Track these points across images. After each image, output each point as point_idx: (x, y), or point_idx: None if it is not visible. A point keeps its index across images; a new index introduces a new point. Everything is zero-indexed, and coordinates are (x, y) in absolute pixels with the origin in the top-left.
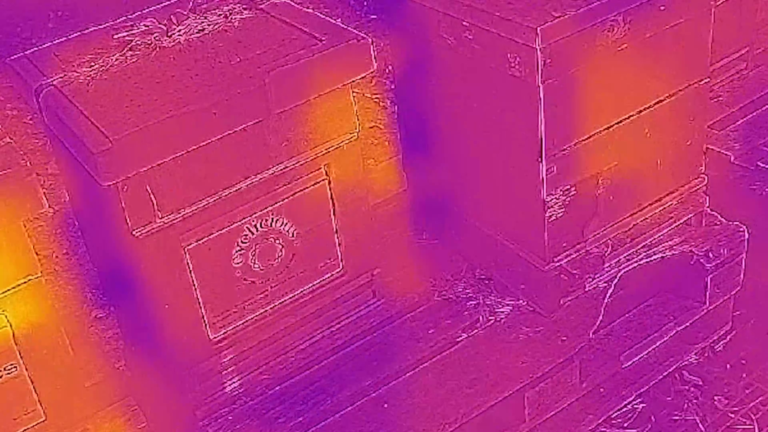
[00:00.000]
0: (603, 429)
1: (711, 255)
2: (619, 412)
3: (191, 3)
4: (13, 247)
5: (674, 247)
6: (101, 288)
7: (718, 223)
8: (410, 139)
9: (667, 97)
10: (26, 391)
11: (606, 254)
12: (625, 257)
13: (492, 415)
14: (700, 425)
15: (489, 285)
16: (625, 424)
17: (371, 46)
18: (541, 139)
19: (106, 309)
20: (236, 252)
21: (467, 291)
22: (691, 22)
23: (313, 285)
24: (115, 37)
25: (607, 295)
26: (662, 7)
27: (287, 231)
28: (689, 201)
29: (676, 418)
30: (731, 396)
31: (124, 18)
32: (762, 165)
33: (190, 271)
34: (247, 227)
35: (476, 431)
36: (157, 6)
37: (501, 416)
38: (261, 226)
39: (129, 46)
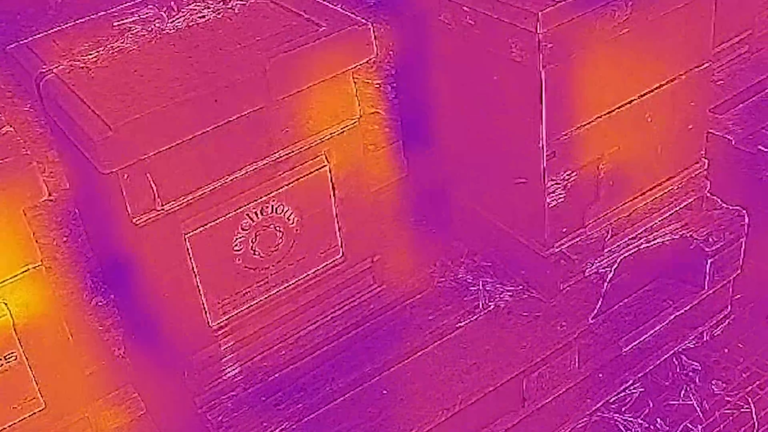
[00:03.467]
0: (601, 413)
1: (711, 239)
2: (617, 397)
3: None
4: (13, 236)
5: (674, 232)
6: (101, 276)
7: (719, 207)
8: (411, 124)
9: (668, 81)
10: (26, 380)
11: (606, 239)
12: (625, 242)
13: (491, 400)
14: (698, 409)
15: (489, 271)
16: (623, 409)
17: (372, 32)
18: (542, 124)
19: (106, 297)
20: (237, 239)
21: (467, 277)
22: (692, 6)
23: (314, 271)
24: (115, 24)
25: (607, 280)
26: None
27: (288, 218)
28: (690, 185)
29: (674, 402)
30: (729, 380)
31: (125, 5)
32: (763, 149)
33: (191, 259)
34: (247, 214)
35: (475, 416)
36: None
37: (500, 401)
38: (261, 213)
39: (129, 33)
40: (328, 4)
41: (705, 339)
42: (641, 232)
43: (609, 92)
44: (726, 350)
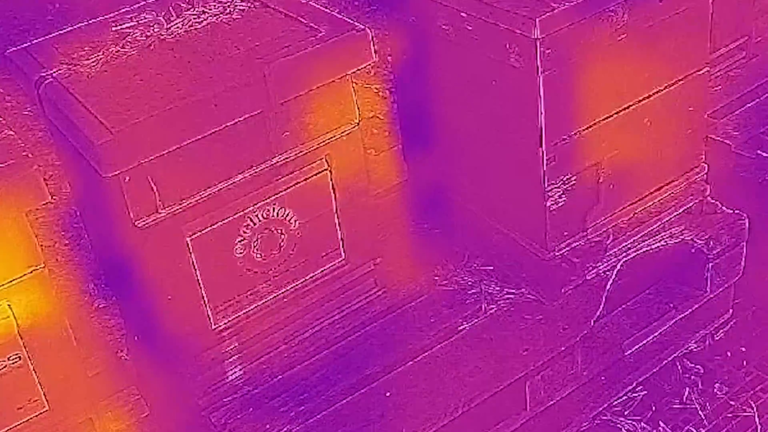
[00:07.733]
0: (604, 417)
1: (712, 243)
2: (619, 400)
3: None
4: (16, 239)
5: (675, 236)
6: (104, 278)
7: (719, 211)
8: (411, 128)
9: (666, 86)
10: (30, 381)
11: (607, 243)
12: (626, 246)
13: (493, 404)
14: (701, 413)
15: (490, 274)
16: (626, 412)
17: (371, 37)
18: (541, 128)
19: (109, 299)
20: (238, 242)
21: (468, 280)
22: (690, 12)
23: (315, 275)
24: (115, 29)
25: (609, 283)
26: None
27: (289, 221)
28: (690, 190)
29: (677, 405)
30: (731, 384)
31: (124, 10)
32: (762, 153)
33: (193, 262)
34: (249, 218)
35: (478, 419)
36: None
37: (502, 404)
38: (263, 216)
39: (128, 38)
40: (326, 9)
41: (707, 343)
42: (642, 236)
43: (608, 97)
44: (728, 354)
